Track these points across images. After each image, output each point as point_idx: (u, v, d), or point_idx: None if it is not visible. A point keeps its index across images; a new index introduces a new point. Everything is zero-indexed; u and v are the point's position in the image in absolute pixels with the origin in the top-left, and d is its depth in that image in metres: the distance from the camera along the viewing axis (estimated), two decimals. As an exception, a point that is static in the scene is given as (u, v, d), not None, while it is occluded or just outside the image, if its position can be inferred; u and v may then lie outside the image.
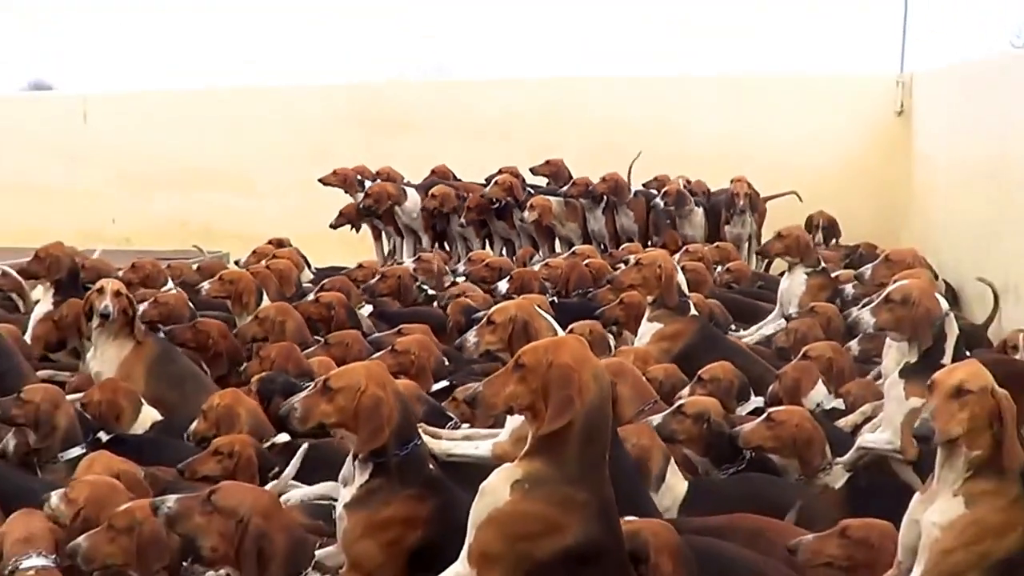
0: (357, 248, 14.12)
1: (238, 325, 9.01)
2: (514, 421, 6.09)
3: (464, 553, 4.59)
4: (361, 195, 14.19)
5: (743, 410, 7.19)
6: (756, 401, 7.31)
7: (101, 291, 8.20)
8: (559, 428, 4.54)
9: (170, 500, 4.74)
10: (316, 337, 8.79)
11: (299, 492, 6.17)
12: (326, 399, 5.19)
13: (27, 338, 9.13)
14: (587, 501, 4.54)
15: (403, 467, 5.18)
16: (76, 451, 6.77)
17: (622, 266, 9.06)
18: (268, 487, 6.21)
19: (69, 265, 9.51)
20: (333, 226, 14.24)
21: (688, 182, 13.83)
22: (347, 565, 5.18)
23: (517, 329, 6.46)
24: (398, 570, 5.10)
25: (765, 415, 6.37)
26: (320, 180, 14.49)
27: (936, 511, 4.71)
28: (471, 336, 6.64)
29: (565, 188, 13.56)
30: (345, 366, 5.55)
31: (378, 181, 14.31)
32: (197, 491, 5.18)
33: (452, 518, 5.01)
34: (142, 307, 9.04)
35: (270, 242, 12.68)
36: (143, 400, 7.40)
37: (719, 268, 11.24)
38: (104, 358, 8.00)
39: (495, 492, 4.59)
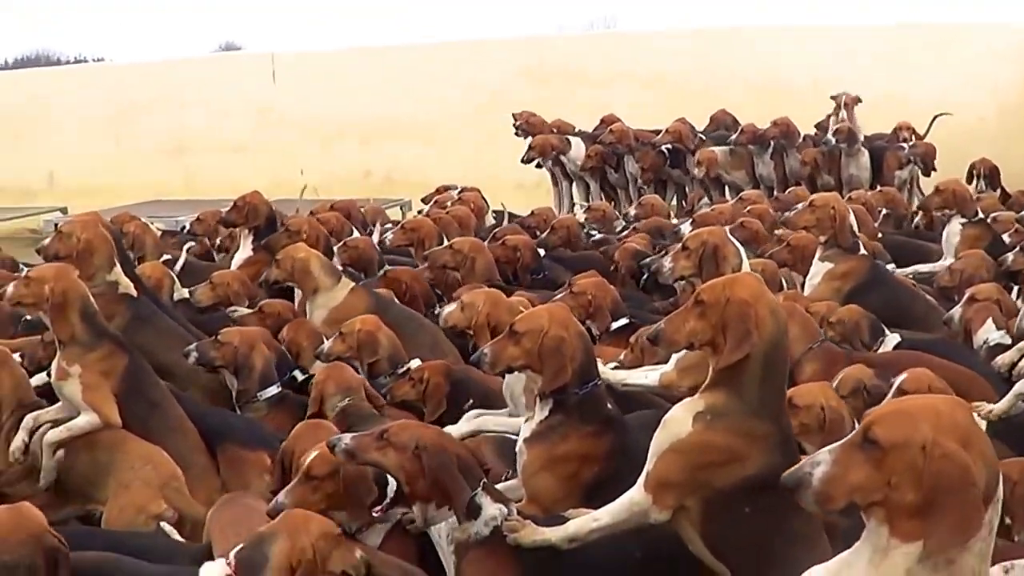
0: (531, 195, 14.09)
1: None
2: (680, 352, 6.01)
3: (641, 480, 4.51)
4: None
5: (884, 348, 7.04)
6: (893, 338, 7.14)
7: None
8: (738, 362, 4.46)
9: (345, 438, 4.68)
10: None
11: (490, 419, 6.25)
12: (512, 342, 5.21)
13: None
14: (768, 432, 4.45)
15: (582, 405, 5.16)
16: (273, 390, 6.83)
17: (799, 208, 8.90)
18: (463, 419, 6.26)
19: (267, 213, 9.55)
20: (525, 160, 14.24)
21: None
22: (525, 497, 5.16)
23: (707, 252, 6.67)
24: (575, 504, 5.02)
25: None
26: (513, 115, 14.48)
27: None
28: (666, 262, 6.90)
29: (734, 137, 13.41)
30: (530, 310, 5.57)
31: (540, 135, 14.34)
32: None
33: (629, 455, 4.97)
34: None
35: (438, 190, 12.72)
36: (325, 339, 7.37)
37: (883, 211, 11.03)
38: (316, 315, 8.00)
39: (678, 423, 4.51)
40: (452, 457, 4.66)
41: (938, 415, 3.26)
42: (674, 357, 6.23)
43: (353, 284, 8.11)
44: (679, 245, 6.92)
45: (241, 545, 4.29)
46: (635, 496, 4.49)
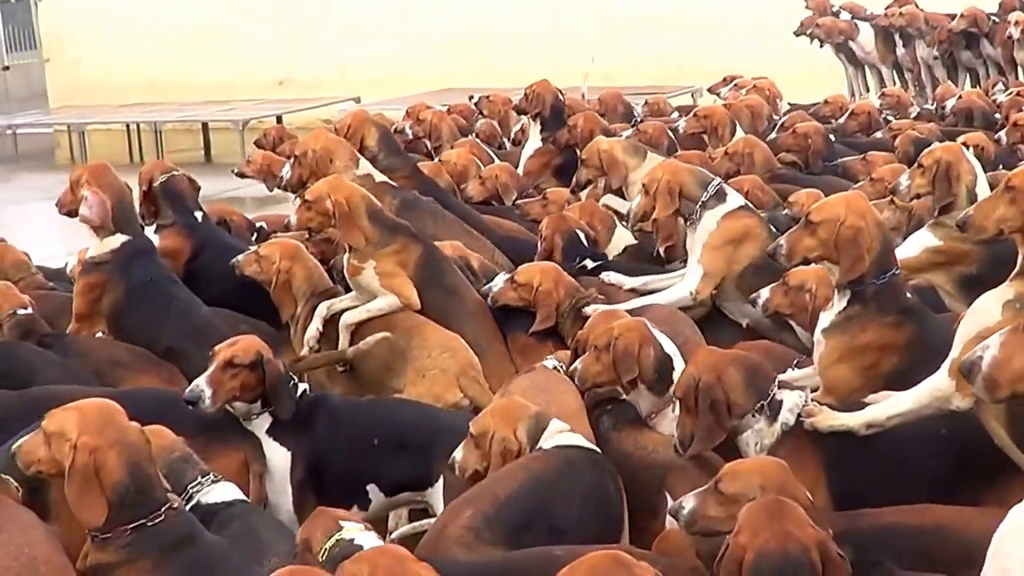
0: (822, 83, 13.93)
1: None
2: (921, 238, 6.23)
3: (945, 366, 4.48)
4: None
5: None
6: None
7: None
8: None
9: (686, 506, 4.29)
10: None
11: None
12: (808, 232, 5.21)
13: (520, 171, 9.31)
14: None
15: (881, 295, 5.16)
16: None
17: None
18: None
19: (552, 102, 9.60)
20: (798, 33, 14.46)
21: None
22: (822, 387, 5.20)
23: (940, 171, 6.48)
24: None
25: None
26: (806, 3, 14.44)
27: None
28: (904, 179, 6.75)
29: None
30: (826, 199, 5.54)
31: (827, 17, 14.23)
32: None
33: (930, 345, 4.97)
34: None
35: (724, 80, 12.66)
36: (618, 223, 7.50)
37: None
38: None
39: (986, 311, 4.49)
40: (733, 373, 4.75)
41: None
42: (919, 241, 6.26)
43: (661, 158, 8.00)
44: (917, 162, 6.79)
45: None
46: (938, 382, 4.48)
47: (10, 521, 4.17)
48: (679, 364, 5.20)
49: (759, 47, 16.58)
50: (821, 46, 14.61)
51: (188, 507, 4.45)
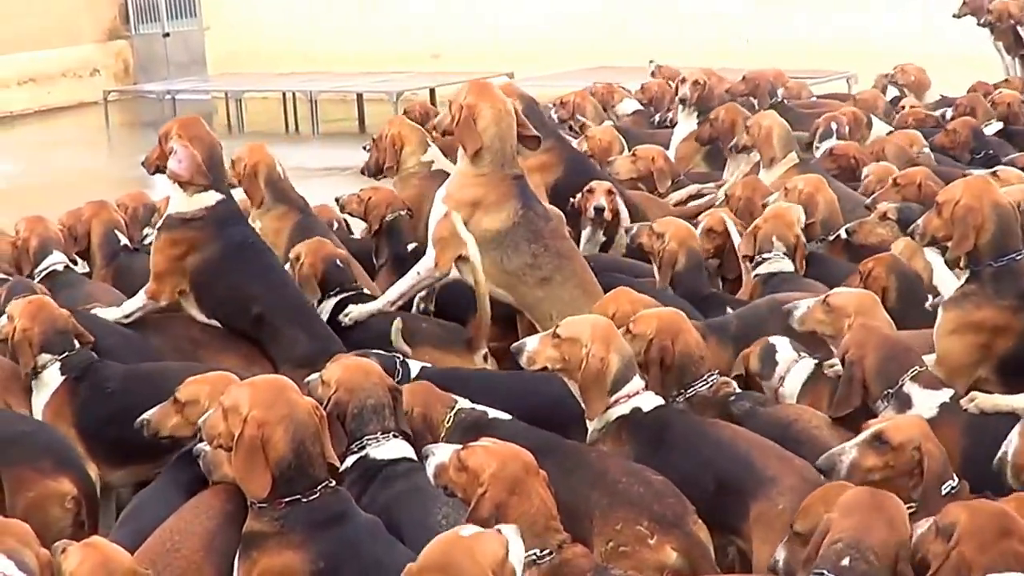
0: (978, 69, 14.00)
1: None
2: None
3: None
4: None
5: None
6: None
7: None
8: None
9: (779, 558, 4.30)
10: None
11: None
12: (936, 213, 5.45)
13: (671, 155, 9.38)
14: None
15: (998, 277, 5.32)
16: None
17: None
18: None
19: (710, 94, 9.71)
20: (956, 15, 13.82)
21: None
22: (936, 357, 5.38)
23: None
24: (985, 371, 5.32)
25: None
26: None
27: None
28: None
29: None
30: (953, 183, 5.79)
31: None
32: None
33: None
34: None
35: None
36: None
37: None
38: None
39: None
40: (872, 358, 5.03)
41: None
42: None
43: (797, 160, 8.26)
44: None
45: None
46: None
47: (194, 507, 4.57)
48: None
49: (911, 30, 16.62)
50: (988, 27, 14.30)
51: (357, 457, 4.79)
